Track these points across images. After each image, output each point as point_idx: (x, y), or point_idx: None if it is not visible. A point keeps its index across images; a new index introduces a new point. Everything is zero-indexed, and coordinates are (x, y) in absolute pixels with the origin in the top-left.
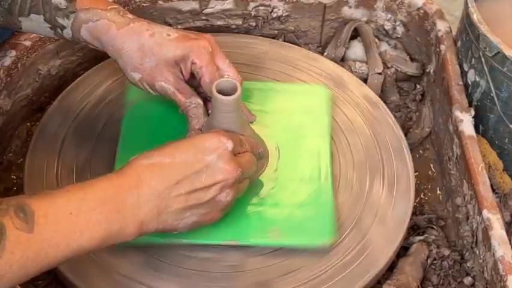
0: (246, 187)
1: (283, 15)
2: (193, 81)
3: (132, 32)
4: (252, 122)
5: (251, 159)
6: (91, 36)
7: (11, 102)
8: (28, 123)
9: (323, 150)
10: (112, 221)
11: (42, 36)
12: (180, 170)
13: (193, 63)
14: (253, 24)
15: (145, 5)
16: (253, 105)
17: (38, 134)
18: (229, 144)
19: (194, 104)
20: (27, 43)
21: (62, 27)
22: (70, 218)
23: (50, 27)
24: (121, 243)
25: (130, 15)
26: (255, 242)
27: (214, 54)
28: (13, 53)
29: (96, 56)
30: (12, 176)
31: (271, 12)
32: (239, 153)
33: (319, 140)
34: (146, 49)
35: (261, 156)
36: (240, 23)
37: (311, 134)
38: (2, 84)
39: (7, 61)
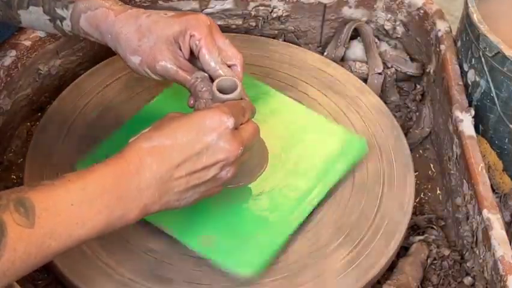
0: (249, 156)
1: (283, 15)
2: (192, 61)
3: (130, 17)
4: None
5: (254, 130)
6: (90, 26)
7: (11, 102)
8: (28, 123)
9: (325, 182)
10: (113, 209)
11: (42, 36)
12: (181, 152)
13: (191, 35)
14: (253, 24)
15: (145, 5)
16: (280, 119)
17: (38, 134)
18: (230, 122)
19: (200, 77)
20: (27, 43)
21: (62, 19)
22: (71, 209)
23: (50, 20)
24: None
25: (128, 6)
26: (184, 242)
27: (213, 33)
28: (13, 52)
29: (96, 56)
30: (12, 176)
31: (271, 12)
32: (241, 125)
33: (328, 173)
34: (144, 29)
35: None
36: (240, 23)
37: (322, 165)
38: (2, 84)
39: (7, 61)
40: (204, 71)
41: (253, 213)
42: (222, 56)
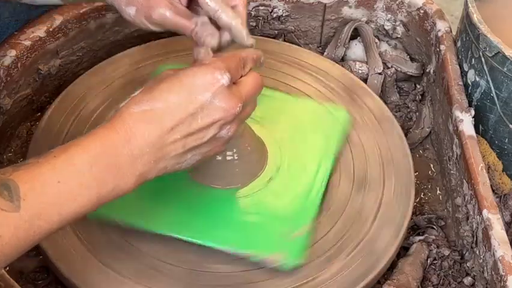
0: (253, 109)
1: (283, 15)
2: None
3: None
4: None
5: (255, 81)
6: None
7: (11, 102)
8: (28, 123)
9: (323, 169)
10: (105, 181)
11: (42, 36)
12: (173, 115)
13: None
14: (253, 24)
15: None
16: (265, 113)
17: (38, 134)
18: (225, 79)
19: (200, 22)
20: (27, 43)
21: None
22: (59, 186)
23: None
24: None
25: None
26: (217, 245)
27: None
28: (13, 52)
29: (96, 56)
30: None
31: (271, 12)
32: (241, 77)
33: (322, 158)
34: None
35: (262, 64)
36: None
37: (315, 150)
38: (2, 84)
39: (7, 61)
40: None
41: (268, 209)
42: None
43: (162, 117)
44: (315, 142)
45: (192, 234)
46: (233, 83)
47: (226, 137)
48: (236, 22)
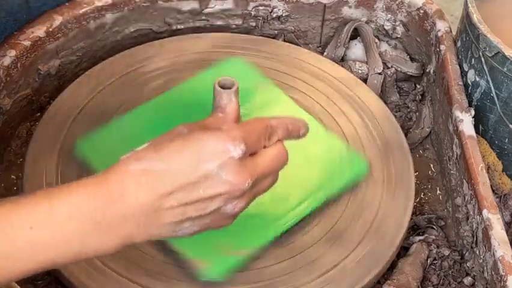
0: (274, 182)
1: (283, 15)
2: None
3: None
4: None
5: (278, 155)
6: None
7: (10, 102)
8: (28, 123)
9: (303, 206)
10: (87, 237)
11: (42, 36)
12: (173, 180)
13: None
14: (253, 24)
15: (145, 5)
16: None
17: (38, 134)
18: (237, 152)
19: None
20: (27, 43)
21: None
22: (31, 232)
23: None
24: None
25: None
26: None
27: None
28: (13, 52)
29: (96, 56)
30: (12, 176)
31: (271, 12)
32: (265, 147)
33: (312, 196)
34: None
35: (303, 135)
36: (240, 22)
37: (310, 185)
38: (2, 84)
39: (7, 61)
40: None
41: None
42: None
43: (161, 180)
44: (315, 177)
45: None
46: (251, 153)
47: (232, 213)
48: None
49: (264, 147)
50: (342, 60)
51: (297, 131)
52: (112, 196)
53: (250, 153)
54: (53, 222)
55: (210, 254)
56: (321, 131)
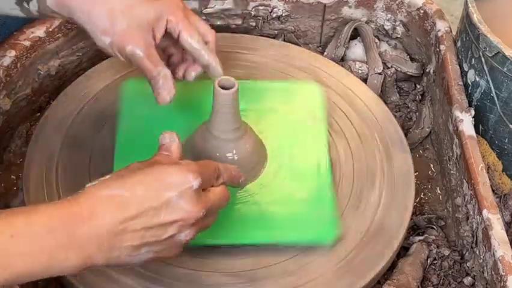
0: (214, 221)
1: (283, 15)
2: (165, 43)
3: None
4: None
5: (223, 194)
6: (58, 5)
7: (10, 102)
8: (28, 123)
9: (321, 147)
10: (56, 251)
11: (41, 36)
12: (138, 205)
13: (168, 21)
14: (253, 24)
15: None
16: (246, 105)
17: (38, 134)
18: (195, 183)
19: (162, 74)
20: (27, 43)
21: (28, 0)
22: (10, 240)
23: (16, 2)
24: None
25: None
26: (258, 241)
27: (187, 14)
28: (12, 53)
29: (96, 56)
30: (12, 176)
31: (271, 12)
32: (212, 186)
33: (316, 137)
34: (117, 12)
35: (241, 185)
36: (240, 22)
37: (307, 132)
38: (2, 84)
39: (6, 61)
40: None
41: (285, 196)
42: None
43: (127, 204)
44: (303, 124)
45: (222, 238)
46: (202, 189)
47: (183, 241)
48: (216, 62)
49: (212, 186)
50: (342, 60)
51: (238, 178)
52: (82, 215)
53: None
54: (32, 234)
55: (314, 227)
56: (325, 185)
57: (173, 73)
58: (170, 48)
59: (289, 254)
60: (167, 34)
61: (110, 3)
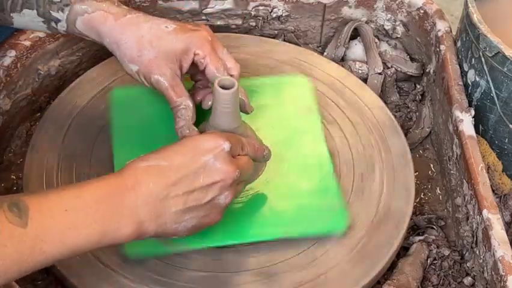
0: (241, 190)
1: (283, 15)
2: (193, 71)
3: (130, 23)
4: (248, 113)
5: (249, 162)
6: (87, 28)
7: (10, 102)
8: (28, 123)
9: (318, 138)
10: (108, 220)
11: (41, 36)
12: (177, 171)
13: (195, 54)
14: (253, 24)
15: (145, 5)
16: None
17: (38, 134)
18: (226, 145)
19: (184, 105)
20: (27, 43)
21: (57, 21)
22: (66, 214)
23: (44, 21)
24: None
25: (125, 7)
26: (272, 237)
27: (215, 47)
28: (13, 53)
29: (96, 56)
30: (12, 176)
31: (271, 12)
32: (238, 155)
33: (311, 129)
34: (145, 41)
35: (265, 158)
36: (240, 22)
37: (302, 124)
38: (2, 84)
39: (7, 61)
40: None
41: (291, 190)
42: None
43: (167, 172)
44: (299, 119)
45: (236, 237)
46: (231, 155)
47: (223, 204)
48: (242, 94)
49: (238, 154)
50: (342, 60)
51: (261, 151)
52: (127, 186)
53: None
54: (83, 206)
55: (325, 218)
56: (328, 175)
57: (193, 96)
58: (197, 76)
59: (302, 246)
60: (194, 64)
61: (139, 32)
